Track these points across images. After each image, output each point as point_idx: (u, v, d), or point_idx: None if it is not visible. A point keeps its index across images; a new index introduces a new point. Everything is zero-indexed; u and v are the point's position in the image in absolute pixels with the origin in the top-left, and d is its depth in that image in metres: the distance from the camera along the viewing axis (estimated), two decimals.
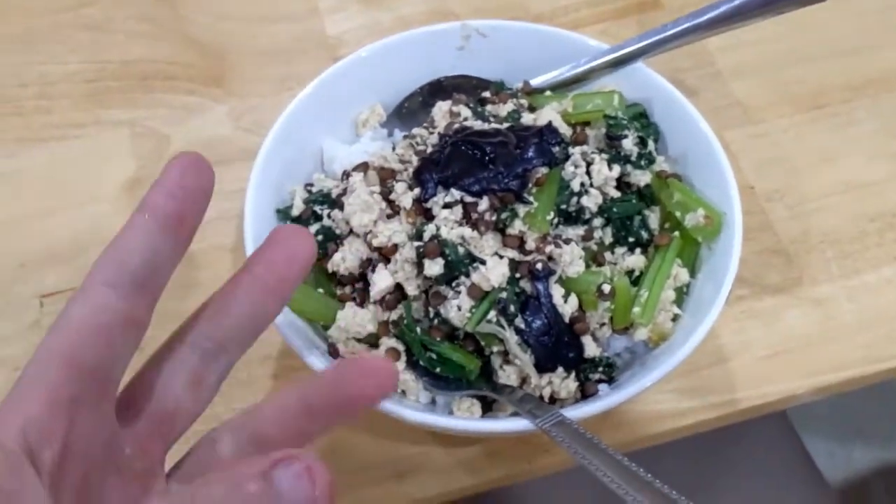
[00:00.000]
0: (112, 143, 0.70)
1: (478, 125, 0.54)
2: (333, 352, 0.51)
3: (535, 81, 0.60)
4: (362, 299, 0.52)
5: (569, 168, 0.52)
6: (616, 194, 0.53)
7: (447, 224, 0.49)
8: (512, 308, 0.49)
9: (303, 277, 0.38)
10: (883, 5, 0.76)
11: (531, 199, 0.50)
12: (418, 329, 0.50)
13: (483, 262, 0.48)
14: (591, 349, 0.50)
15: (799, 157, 0.67)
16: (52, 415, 0.31)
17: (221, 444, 0.36)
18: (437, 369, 0.50)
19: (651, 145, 0.55)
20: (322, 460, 0.31)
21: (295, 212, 0.55)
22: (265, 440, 0.36)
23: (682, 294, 0.53)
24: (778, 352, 0.59)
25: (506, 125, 0.54)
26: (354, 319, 0.51)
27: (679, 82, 0.70)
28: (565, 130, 0.55)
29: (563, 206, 0.51)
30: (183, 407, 0.36)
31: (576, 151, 0.53)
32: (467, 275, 0.49)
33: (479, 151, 0.51)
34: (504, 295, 0.48)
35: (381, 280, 0.50)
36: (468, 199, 0.50)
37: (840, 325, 0.60)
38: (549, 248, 0.49)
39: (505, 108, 0.57)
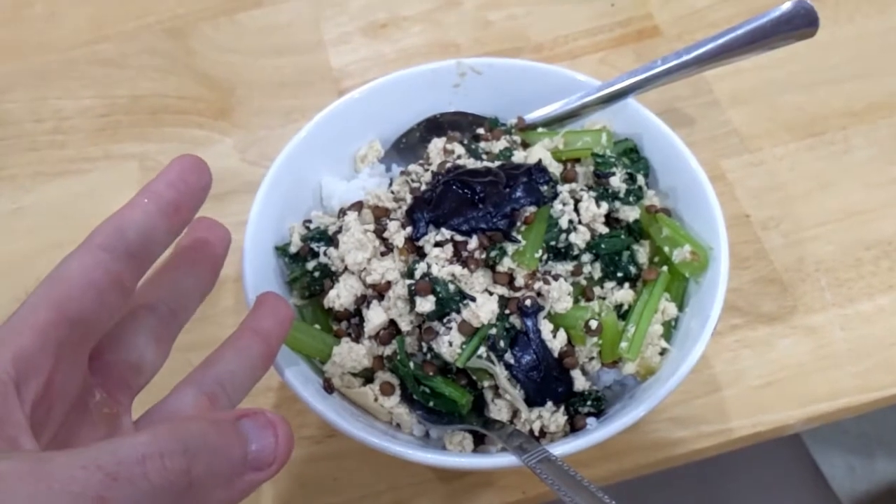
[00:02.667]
0: (122, 177, 0.72)
1: (470, 163, 0.56)
2: (329, 387, 0.52)
3: (530, 116, 0.61)
4: (357, 335, 0.53)
5: (557, 206, 0.53)
6: (604, 230, 0.54)
7: (438, 262, 0.51)
8: (502, 344, 0.50)
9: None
10: (882, 29, 0.76)
11: (519, 237, 0.51)
12: (412, 364, 0.51)
13: (473, 299, 0.50)
14: (580, 383, 0.51)
15: (795, 185, 0.68)
16: (41, 351, 0.33)
17: (182, 398, 0.40)
18: (431, 403, 0.51)
19: (641, 180, 0.56)
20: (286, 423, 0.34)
21: (293, 249, 0.56)
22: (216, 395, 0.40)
23: (670, 328, 0.53)
24: (771, 381, 0.59)
25: (497, 163, 0.56)
26: (350, 354, 0.52)
27: (676, 111, 0.71)
28: (555, 168, 0.56)
29: (553, 243, 0.52)
30: (146, 360, 0.40)
31: (564, 189, 0.54)
32: (458, 311, 0.50)
33: (469, 191, 0.52)
34: (494, 331, 0.50)
35: (375, 316, 0.52)
36: (458, 237, 0.51)
37: (833, 354, 0.60)
38: (537, 285, 0.50)
39: (498, 146, 0.58)
